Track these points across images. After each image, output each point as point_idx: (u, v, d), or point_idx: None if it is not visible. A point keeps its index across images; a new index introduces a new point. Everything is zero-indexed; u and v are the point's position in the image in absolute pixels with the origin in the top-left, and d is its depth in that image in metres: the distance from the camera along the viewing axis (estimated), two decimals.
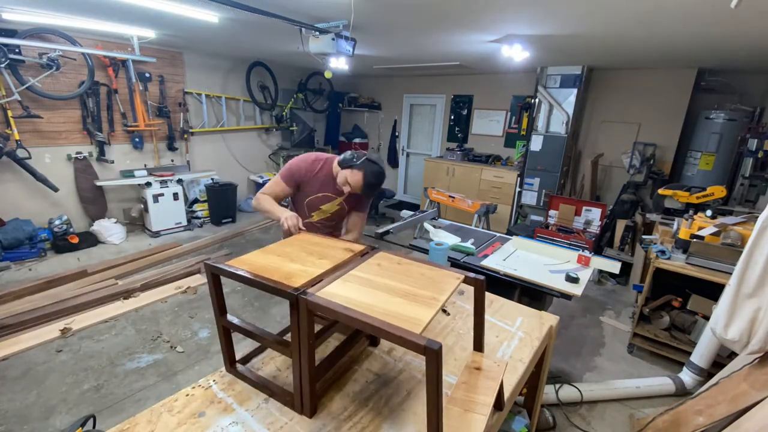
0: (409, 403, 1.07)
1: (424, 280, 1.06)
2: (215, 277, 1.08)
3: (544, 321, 1.55)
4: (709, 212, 2.79)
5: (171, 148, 5.16)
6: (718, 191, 3.24)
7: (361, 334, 1.27)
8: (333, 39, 2.84)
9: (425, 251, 2.36)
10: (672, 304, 2.76)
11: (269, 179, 6.06)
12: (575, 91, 4.47)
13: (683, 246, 2.59)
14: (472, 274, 1.12)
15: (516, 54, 3.39)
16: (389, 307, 0.91)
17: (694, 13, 2.26)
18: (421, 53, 4.26)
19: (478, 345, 1.21)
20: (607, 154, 4.84)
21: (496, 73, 5.49)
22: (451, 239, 2.57)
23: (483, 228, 3.87)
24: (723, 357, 2.38)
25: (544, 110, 4.74)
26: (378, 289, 1.00)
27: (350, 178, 1.67)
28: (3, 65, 3.48)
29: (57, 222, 4.15)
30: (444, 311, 1.59)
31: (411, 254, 2.14)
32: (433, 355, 0.73)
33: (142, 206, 4.78)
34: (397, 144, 7.05)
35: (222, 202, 5.35)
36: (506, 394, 1.14)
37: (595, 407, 2.31)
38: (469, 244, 2.45)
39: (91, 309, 3.06)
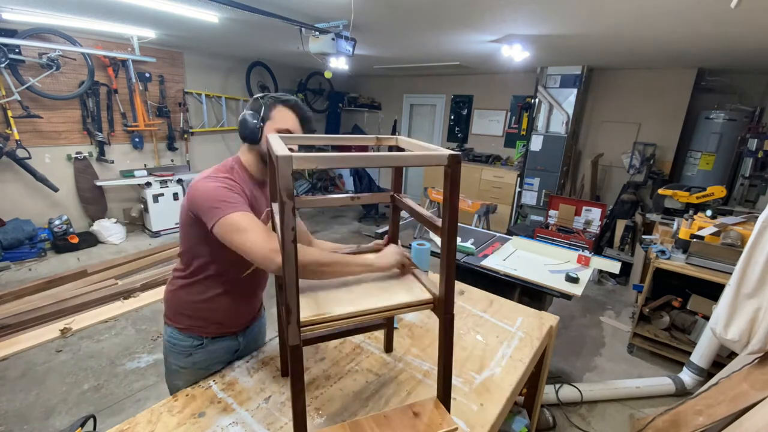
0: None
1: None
2: None
3: (544, 321, 1.55)
4: (709, 212, 2.79)
5: (171, 148, 5.16)
6: (718, 191, 3.23)
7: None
8: (333, 39, 2.84)
9: None
10: (672, 304, 2.76)
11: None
12: (575, 91, 4.48)
13: (683, 246, 2.59)
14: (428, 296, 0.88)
15: (516, 54, 3.39)
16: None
17: (694, 13, 2.26)
18: (421, 53, 4.26)
19: (445, 399, 0.90)
20: (607, 154, 4.84)
21: (496, 73, 5.49)
22: None
23: (483, 228, 3.87)
24: (723, 357, 2.38)
25: (544, 110, 4.74)
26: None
27: (283, 122, 1.16)
28: (3, 65, 3.48)
29: (57, 222, 4.15)
30: None
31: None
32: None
33: (142, 206, 4.78)
34: None
35: None
36: (506, 394, 1.14)
37: (595, 407, 2.31)
38: (469, 244, 2.45)
39: (91, 309, 3.06)
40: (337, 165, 0.71)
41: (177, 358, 1.22)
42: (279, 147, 0.69)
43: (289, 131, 1.16)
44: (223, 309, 1.21)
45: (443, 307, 0.82)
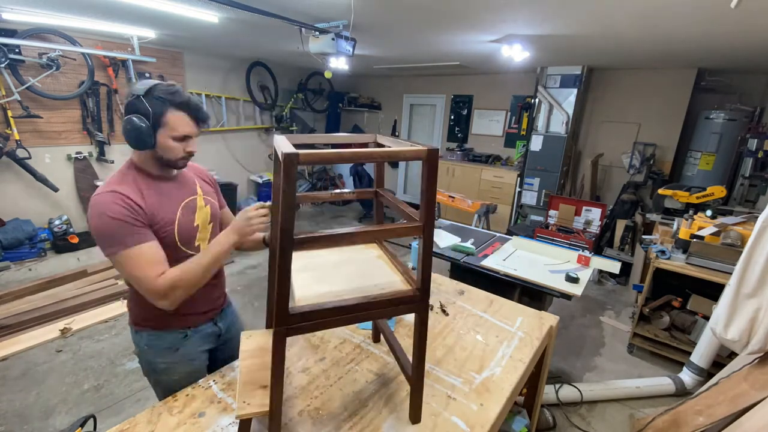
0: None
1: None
2: None
3: (544, 321, 1.55)
4: (709, 212, 2.79)
5: None
6: (718, 191, 3.23)
7: None
8: (333, 39, 2.84)
9: None
10: (672, 304, 2.76)
11: (268, 178, 6.10)
12: (575, 91, 4.47)
13: (683, 246, 2.59)
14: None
15: (516, 54, 3.39)
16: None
17: (694, 13, 2.26)
18: (421, 53, 4.26)
19: (415, 415, 1.00)
20: (607, 154, 4.84)
21: (496, 73, 5.49)
22: (451, 239, 2.57)
23: (483, 228, 3.87)
24: (723, 357, 2.39)
25: (544, 110, 4.74)
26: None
27: (180, 128, 1.07)
28: (3, 65, 3.48)
29: (57, 222, 4.15)
30: (444, 311, 1.59)
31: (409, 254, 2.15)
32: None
33: None
34: None
35: None
36: (506, 394, 1.14)
37: (595, 407, 2.31)
38: (469, 244, 2.45)
39: (91, 309, 3.06)
40: (334, 160, 0.75)
41: (163, 356, 1.22)
42: (284, 145, 0.74)
43: (186, 137, 1.10)
44: (191, 298, 1.15)
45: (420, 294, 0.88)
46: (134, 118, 1.02)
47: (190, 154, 1.15)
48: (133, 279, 1.03)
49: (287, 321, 0.78)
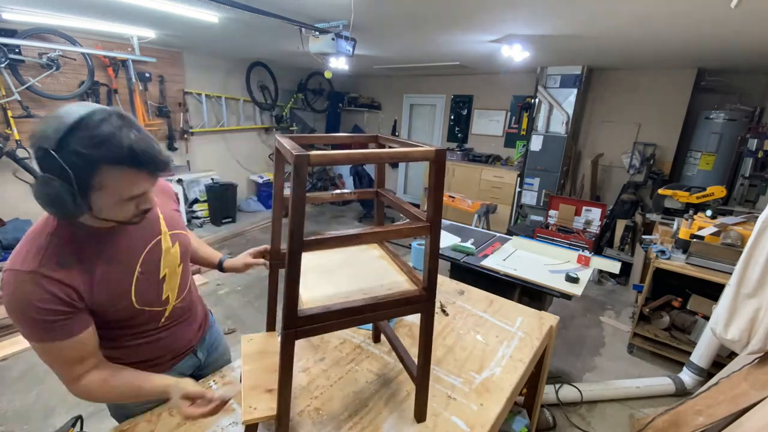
0: (409, 403, 1.07)
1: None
2: None
3: (544, 321, 1.55)
4: (709, 212, 2.79)
5: (171, 148, 5.16)
6: (718, 191, 3.23)
7: None
8: (333, 39, 2.84)
9: None
10: (672, 304, 2.76)
11: (268, 179, 6.09)
12: (575, 91, 4.47)
13: (683, 246, 2.59)
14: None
15: (516, 54, 3.39)
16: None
17: (694, 13, 2.26)
18: (421, 53, 4.26)
19: (420, 413, 1.01)
20: (607, 154, 4.84)
21: (496, 73, 5.49)
22: (451, 239, 2.57)
23: (483, 228, 3.87)
24: (723, 357, 2.39)
25: (544, 110, 4.74)
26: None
27: (125, 191, 0.78)
28: (3, 65, 3.48)
29: None
30: (443, 311, 1.59)
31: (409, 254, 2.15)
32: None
33: None
34: None
35: (222, 203, 5.35)
36: (506, 394, 1.14)
37: (595, 407, 2.31)
38: (469, 244, 2.45)
39: None
40: (343, 161, 0.74)
41: (140, 404, 1.02)
42: (292, 146, 0.74)
43: (142, 195, 0.82)
44: (163, 345, 1.04)
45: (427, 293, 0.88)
46: (51, 183, 0.71)
47: (146, 212, 0.87)
48: (54, 370, 0.86)
49: (296, 323, 0.77)
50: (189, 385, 0.88)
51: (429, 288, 0.87)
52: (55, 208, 0.74)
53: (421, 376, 0.95)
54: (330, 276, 0.99)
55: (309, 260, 1.06)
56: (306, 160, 0.67)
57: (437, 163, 0.80)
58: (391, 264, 1.07)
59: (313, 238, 0.75)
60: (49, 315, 0.77)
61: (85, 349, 0.84)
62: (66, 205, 0.73)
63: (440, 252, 2.38)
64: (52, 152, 0.70)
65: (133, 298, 0.91)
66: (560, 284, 2.00)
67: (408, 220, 0.93)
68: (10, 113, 3.69)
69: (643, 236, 3.21)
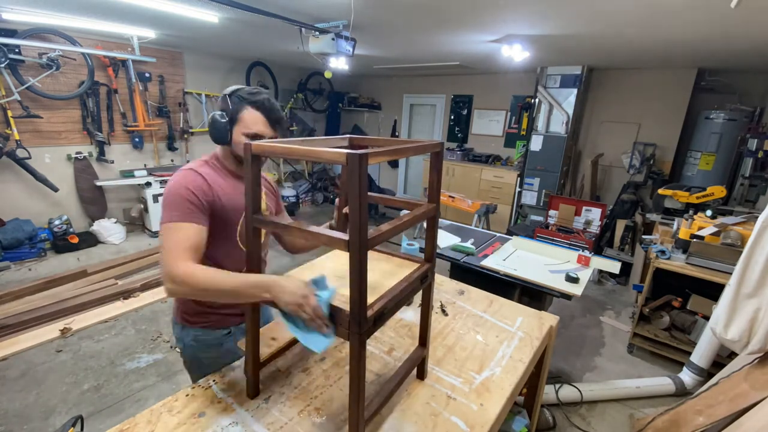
0: (409, 403, 1.07)
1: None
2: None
3: (544, 321, 1.55)
4: (709, 212, 2.79)
5: (171, 148, 5.16)
6: (718, 191, 3.24)
7: None
8: (333, 39, 2.84)
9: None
10: (672, 304, 2.76)
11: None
12: (575, 91, 4.48)
13: (683, 246, 2.59)
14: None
15: (516, 54, 3.39)
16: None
17: (694, 13, 2.26)
18: (421, 53, 4.26)
19: (422, 371, 1.16)
20: (607, 154, 4.84)
21: (496, 73, 5.50)
22: (451, 239, 2.57)
23: (483, 228, 3.87)
24: (723, 357, 2.39)
25: (544, 110, 4.74)
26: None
27: (252, 126, 1.12)
28: (3, 65, 3.49)
29: (57, 222, 4.15)
30: (443, 311, 1.59)
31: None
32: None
33: (142, 206, 4.78)
34: None
35: None
36: (506, 394, 1.14)
37: (595, 407, 2.31)
38: (469, 244, 2.45)
39: (91, 309, 3.06)
40: (394, 156, 0.83)
41: (208, 351, 1.28)
42: (341, 146, 0.85)
43: (257, 136, 1.13)
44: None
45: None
46: (216, 115, 1.12)
47: None
48: (161, 251, 0.99)
49: (365, 325, 0.77)
50: (289, 289, 0.85)
51: (431, 255, 1.03)
52: (216, 131, 1.12)
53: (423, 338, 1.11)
54: (343, 279, 0.98)
55: (309, 269, 1.07)
56: (365, 158, 0.70)
57: (438, 154, 0.95)
58: (389, 259, 1.12)
59: (374, 235, 0.76)
60: (191, 197, 1.05)
61: (199, 240, 1.04)
62: (220, 131, 1.12)
63: (440, 252, 2.39)
64: (227, 96, 1.14)
65: (238, 229, 1.19)
66: (560, 284, 2.00)
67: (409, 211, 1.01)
68: (10, 113, 3.69)
69: (643, 236, 3.21)
